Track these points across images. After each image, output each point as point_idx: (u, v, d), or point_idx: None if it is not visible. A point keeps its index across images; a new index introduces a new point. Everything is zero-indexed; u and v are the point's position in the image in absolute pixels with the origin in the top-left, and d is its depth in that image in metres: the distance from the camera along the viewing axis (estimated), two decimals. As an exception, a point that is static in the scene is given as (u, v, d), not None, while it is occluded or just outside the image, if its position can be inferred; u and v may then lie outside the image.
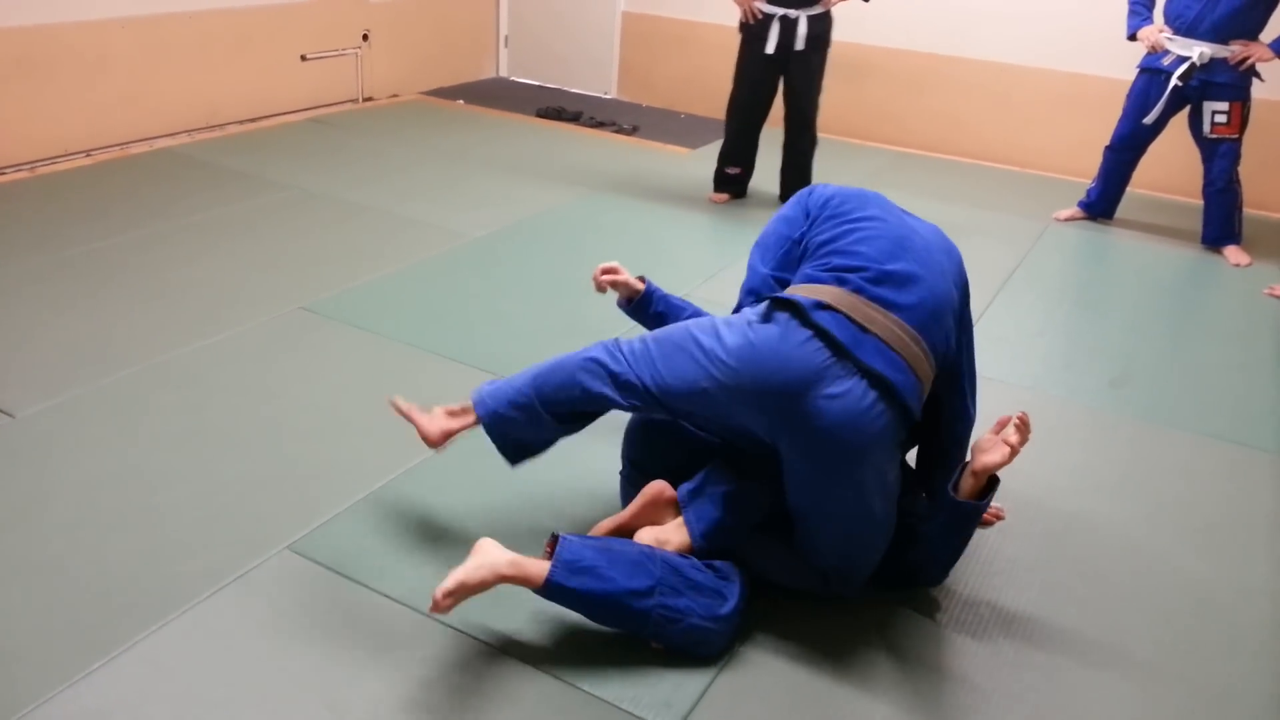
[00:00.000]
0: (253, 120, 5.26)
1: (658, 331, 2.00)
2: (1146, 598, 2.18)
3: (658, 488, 2.01)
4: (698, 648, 1.88)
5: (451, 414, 2.07)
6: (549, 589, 1.81)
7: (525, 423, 2.01)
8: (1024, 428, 1.87)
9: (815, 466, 1.85)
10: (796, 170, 4.56)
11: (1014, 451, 1.86)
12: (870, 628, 2.03)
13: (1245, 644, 2.06)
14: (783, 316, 1.85)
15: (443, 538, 2.19)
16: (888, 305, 1.84)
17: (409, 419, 2.08)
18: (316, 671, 1.81)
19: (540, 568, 1.82)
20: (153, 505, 2.24)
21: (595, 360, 1.96)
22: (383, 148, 5.06)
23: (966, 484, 1.92)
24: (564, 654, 1.89)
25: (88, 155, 4.54)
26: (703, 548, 1.95)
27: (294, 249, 3.70)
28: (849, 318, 1.81)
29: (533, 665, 1.86)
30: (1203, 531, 2.42)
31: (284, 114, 5.42)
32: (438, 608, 1.76)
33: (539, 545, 1.91)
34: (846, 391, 1.77)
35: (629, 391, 1.93)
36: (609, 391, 1.93)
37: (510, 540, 2.15)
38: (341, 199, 4.25)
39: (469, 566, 1.78)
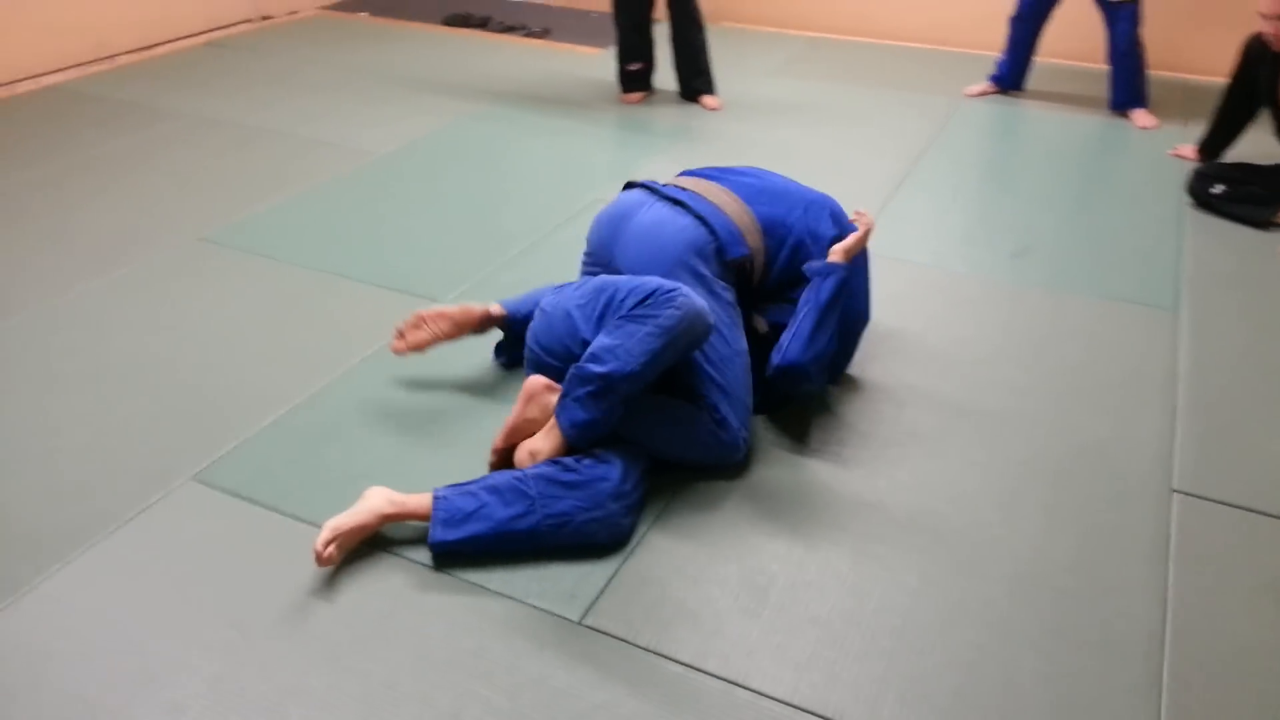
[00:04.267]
0: (145, 49, 5.06)
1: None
2: (1041, 457, 2.25)
3: (532, 382, 2.06)
4: (598, 537, 1.93)
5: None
6: (434, 548, 1.89)
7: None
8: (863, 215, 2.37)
9: None
10: (689, 61, 4.45)
11: (867, 224, 2.33)
12: (769, 504, 2.08)
13: (1133, 492, 2.14)
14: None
15: (349, 458, 2.20)
16: None
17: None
18: (223, 595, 1.83)
19: (423, 501, 1.90)
20: (52, 446, 2.22)
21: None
22: (282, 68, 4.90)
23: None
24: (473, 557, 1.91)
25: (-29, 97, 4.36)
26: (579, 442, 1.99)
27: (191, 179, 3.61)
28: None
29: (439, 569, 1.89)
30: (1098, 391, 2.49)
31: (178, 39, 5.22)
32: (320, 560, 1.82)
33: (447, 467, 1.96)
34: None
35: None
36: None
37: (416, 462, 2.18)
38: (239, 124, 4.13)
39: (345, 513, 1.87)
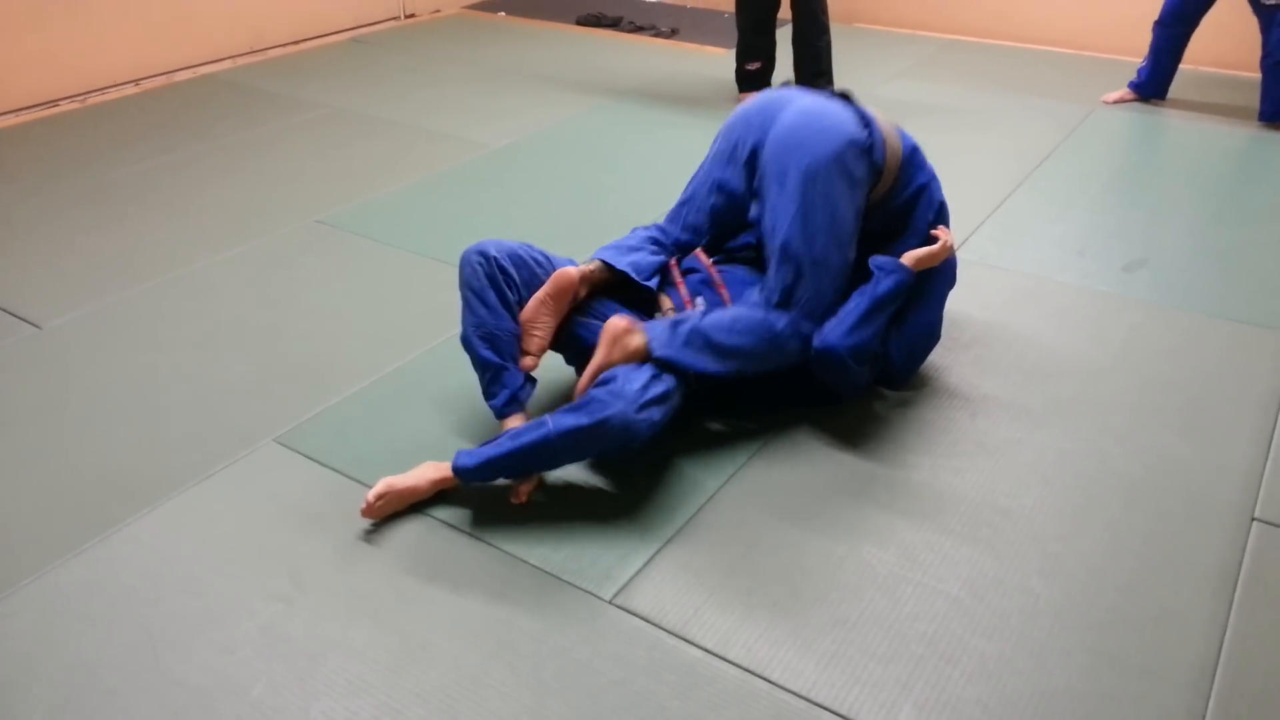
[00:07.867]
0: (295, 43, 5.38)
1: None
2: (1115, 474, 2.16)
3: (613, 323, 2.09)
4: (612, 436, 1.94)
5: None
6: (459, 472, 2.00)
7: None
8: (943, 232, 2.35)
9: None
10: (809, 63, 4.41)
11: (946, 243, 2.32)
12: (819, 503, 2.07)
13: (1208, 517, 2.04)
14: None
15: (420, 431, 2.30)
16: None
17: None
18: (285, 549, 1.96)
19: None
20: (158, 404, 2.41)
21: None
22: (418, 63, 5.12)
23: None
24: (520, 532, 1.99)
25: (136, 84, 4.72)
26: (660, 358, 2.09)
27: (317, 165, 3.82)
28: None
29: (486, 541, 1.97)
30: (1190, 410, 2.37)
31: (326, 35, 5.52)
32: (368, 510, 1.95)
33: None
34: None
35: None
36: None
37: (483, 438, 2.25)
38: (369, 115, 4.35)
39: (400, 475, 2.01)
